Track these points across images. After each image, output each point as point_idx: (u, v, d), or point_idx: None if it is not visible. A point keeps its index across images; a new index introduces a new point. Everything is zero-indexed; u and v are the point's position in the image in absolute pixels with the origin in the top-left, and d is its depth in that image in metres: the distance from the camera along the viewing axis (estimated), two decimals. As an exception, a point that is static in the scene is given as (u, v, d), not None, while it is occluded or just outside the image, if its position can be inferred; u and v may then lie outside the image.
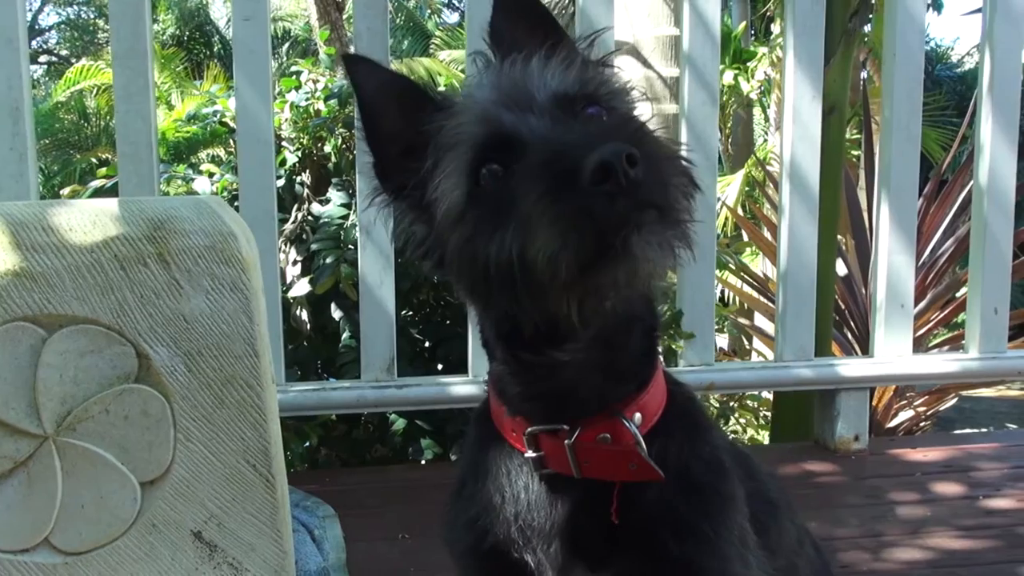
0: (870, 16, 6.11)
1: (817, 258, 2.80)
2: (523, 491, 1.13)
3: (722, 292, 6.69)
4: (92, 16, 25.53)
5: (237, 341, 1.46)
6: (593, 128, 0.98)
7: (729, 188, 10.43)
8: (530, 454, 1.12)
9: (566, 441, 1.08)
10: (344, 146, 3.06)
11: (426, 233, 1.11)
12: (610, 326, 1.03)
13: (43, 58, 26.62)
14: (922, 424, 5.14)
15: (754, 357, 6.38)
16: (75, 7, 25.74)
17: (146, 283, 1.42)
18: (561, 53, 1.07)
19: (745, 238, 7.68)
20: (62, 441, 1.42)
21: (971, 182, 4.87)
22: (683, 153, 1.02)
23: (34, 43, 26.51)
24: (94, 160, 16.40)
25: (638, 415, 1.09)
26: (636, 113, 1.10)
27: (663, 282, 1.01)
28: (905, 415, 4.94)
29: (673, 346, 2.72)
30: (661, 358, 1.16)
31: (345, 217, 2.92)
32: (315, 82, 3.22)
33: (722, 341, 7.53)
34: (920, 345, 4.61)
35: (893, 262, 2.82)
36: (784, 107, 2.79)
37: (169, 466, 1.45)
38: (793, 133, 2.76)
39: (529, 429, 1.11)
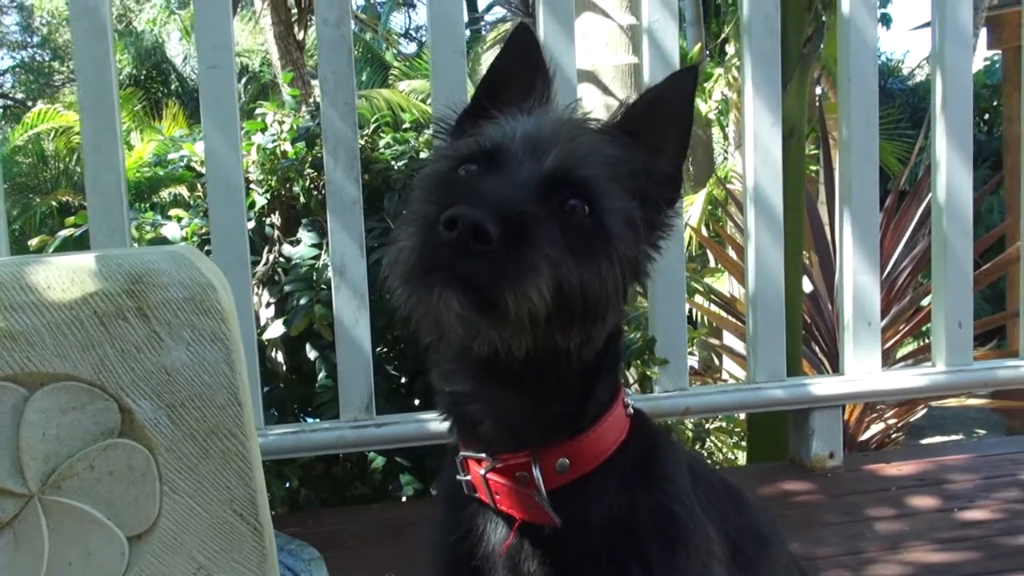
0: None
1: (784, 280, 2.85)
2: (466, 515, 1.17)
3: (690, 312, 6.74)
4: (47, 59, 25.32)
5: (220, 391, 1.46)
6: (519, 203, 0.98)
7: (692, 208, 10.54)
8: (460, 477, 1.16)
9: (480, 471, 1.12)
10: (312, 186, 3.07)
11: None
12: (498, 368, 1.03)
13: (-1, 102, 26.35)
14: (893, 435, 5.20)
15: (724, 376, 6.43)
16: (30, 50, 25.52)
17: (126, 337, 1.42)
18: (631, 152, 1.10)
19: (710, 257, 7.77)
20: (47, 499, 1.41)
21: (928, 195, 4.98)
22: (547, 289, 0.96)
23: (-12, 87, 26.25)
24: (54, 203, 16.25)
25: (564, 460, 1.10)
26: (626, 242, 1.07)
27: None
28: (877, 428, 5.00)
29: (648, 373, 2.75)
30: (627, 411, 1.17)
31: (316, 257, 2.92)
32: (280, 123, 3.23)
33: (691, 360, 7.58)
34: (888, 358, 4.68)
35: (858, 281, 2.87)
36: (744, 134, 2.84)
37: (156, 519, 1.45)
38: (755, 159, 2.81)
39: (461, 453, 1.15)
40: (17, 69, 26.31)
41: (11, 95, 26.24)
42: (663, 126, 1.15)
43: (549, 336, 0.99)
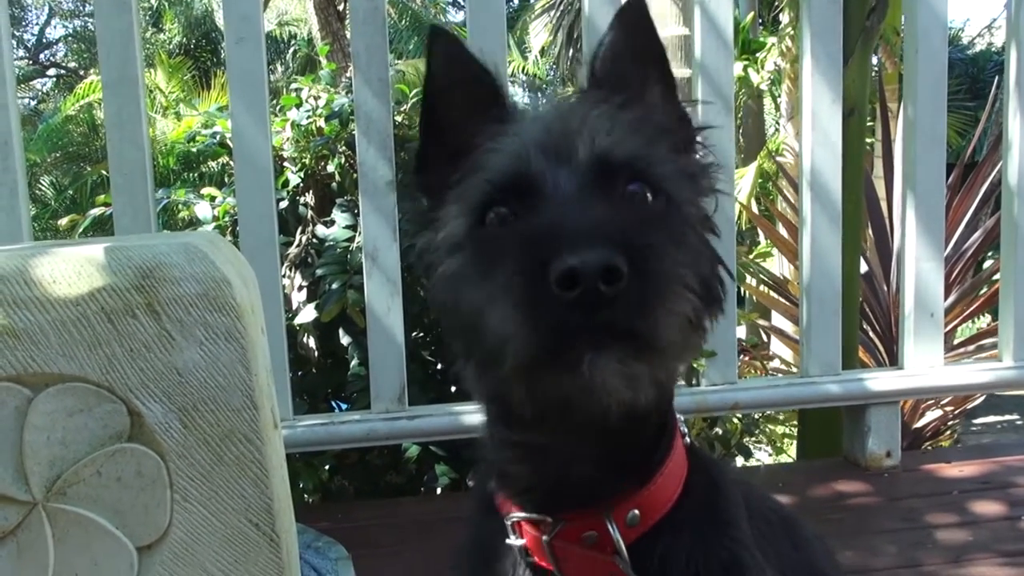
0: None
1: (841, 267, 2.68)
2: None
3: (738, 291, 6.58)
4: (98, 28, 25.53)
5: (234, 393, 1.39)
6: (610, 215, 0.85)
7: (742, 181, 10.34)
8: (512, 541, 1.02)
9: (544, 537, 0.99)
10: (348, 164, 2.97)
11: (428, 245, 1.03)
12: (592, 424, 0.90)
13: (51, 71, 26.71)
14: (950, 422, 5.03)
15: (772, 355, 6.29)
16: (82, 19, 25.79)
17: (136, 336, 1.34)
18: (638, 110, 0.97)
19: (760, 233, 7.60)
20: (52, 507, 1.35)
21: (994, 171, 4.75)
22: (691, 291, 0.85)
23: (42, 56, 26.63)
24: (105, 172, 16.45)
25: (635, 512, 0.97)
26: (692, 203, 0.98)
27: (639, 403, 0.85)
28: (933, 415, 4.83)
29: (694, 364, 2.62)
30: (684, 442, 1.04)
31: (351, 239, 2.83)
32: (316, 99, 3.13)
33: (740, 331, 7.44)
34: (946, 341, 4.49)
35: (921, 269, 2.70)
36: (802, 112, 2.67)
37: (167, 529, 1.38)
38: (812, 139, 2.64)
39: (512, 515, 1.01)
40: (70, 38, 26.62)
41: (64, 64, 26.58)
42: (637, 69, 1.03)
43: (695, 341, 0.88)
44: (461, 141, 0.99)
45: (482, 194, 0.93)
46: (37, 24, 27.19)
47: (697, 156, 1.06)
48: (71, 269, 1.35)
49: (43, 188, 17.65)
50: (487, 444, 1.04)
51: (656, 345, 0.81)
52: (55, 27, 27.57)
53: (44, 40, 27.20)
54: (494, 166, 0.94)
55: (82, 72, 23.04)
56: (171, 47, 21.97)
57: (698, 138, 1.07)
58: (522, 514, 1.01)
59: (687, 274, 0.84)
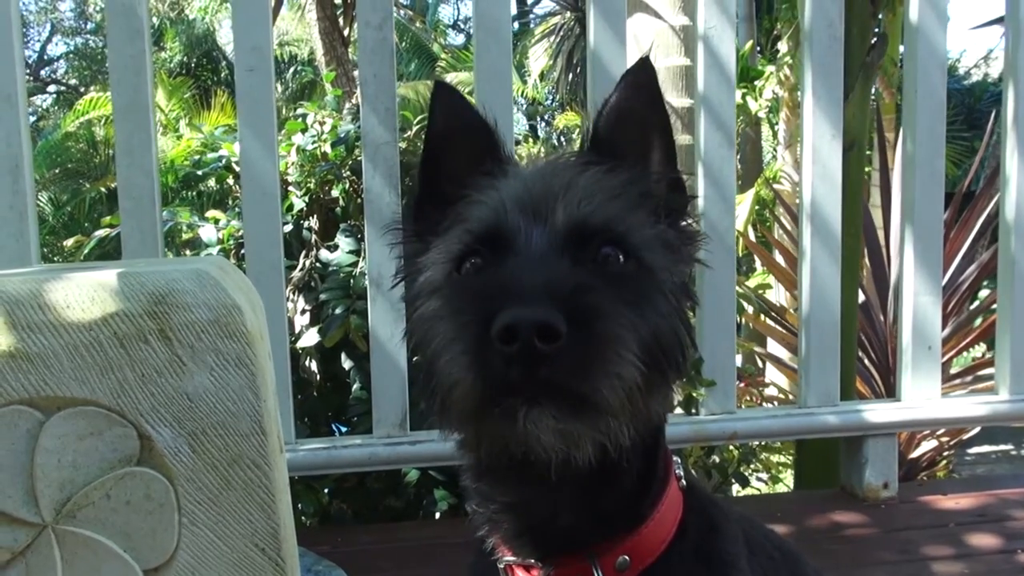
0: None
1: (840, 300, 2.71)
2: None
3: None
4: (100, 45, 25.65)
5: (243, 419, 1.40)
6: (566, 275, 0.89)
7: (739, 208, 10.38)
8: None
9: None
10: (352, 189, 3.00)
11: (414, 288, 1.07)
12: (562, 475, 0.92)
13: (52, 87, 26.79)
14: (946, 453, 5.03)
15: (768, 383, 6.29)
16: (83, 36, 25.90)
17: (147, 361, 1.35)
18: (628, 174, 0.99)
19: (755, 258, 7.63)
20: (61, 529, 1.36)
21: (991, 203, 4.79)
22: (636, 357, 0.87)
23: (43, 72, 26.71)
24: (103, 189, 16.49)
25: (625, 557, 1.00)
26: (667, 270, 0.99)
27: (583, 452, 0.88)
28: (929, 445, 4.84)
29: (694, 394, 2.64)
30: (679, 484, 1.06)
31: (354, 264, 2.85)
32: (321, 123, 3.16)
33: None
34: (943, 371, 4.50)
35: (919, 303, 2.73)
36: (803, 146, 2.71)
37: (174, 552, 1.39)
38: (813, 173, 2.67)
39: (505, 558, 1.04)
40: (71, 55, 26.72)
41: (64, 81, 26.66)
42: (640, 132, 1.05)
43: (647, 406, 0.90)
44: (455, 190, 1.03)
45: (461, 244, 0.97)
46: (39, 41, 27.32)
47: (685, 223, 1.07)
48: (84, 294, 1.36)
49: (41, 204, 17.67)
50: (472, 496, 1.07)
51: (593, 406, 0.84)
52: (56, 44, 27.70)
53: (45, 57, 27.30)
54: (475, 217, 0.98)
55: (82, 89, 23.10)
56: (172, 66, 22.05)
57: (684, 211, 1.08)
58: (512, 559, 1.04)
59: (634, 338, 0.86)
